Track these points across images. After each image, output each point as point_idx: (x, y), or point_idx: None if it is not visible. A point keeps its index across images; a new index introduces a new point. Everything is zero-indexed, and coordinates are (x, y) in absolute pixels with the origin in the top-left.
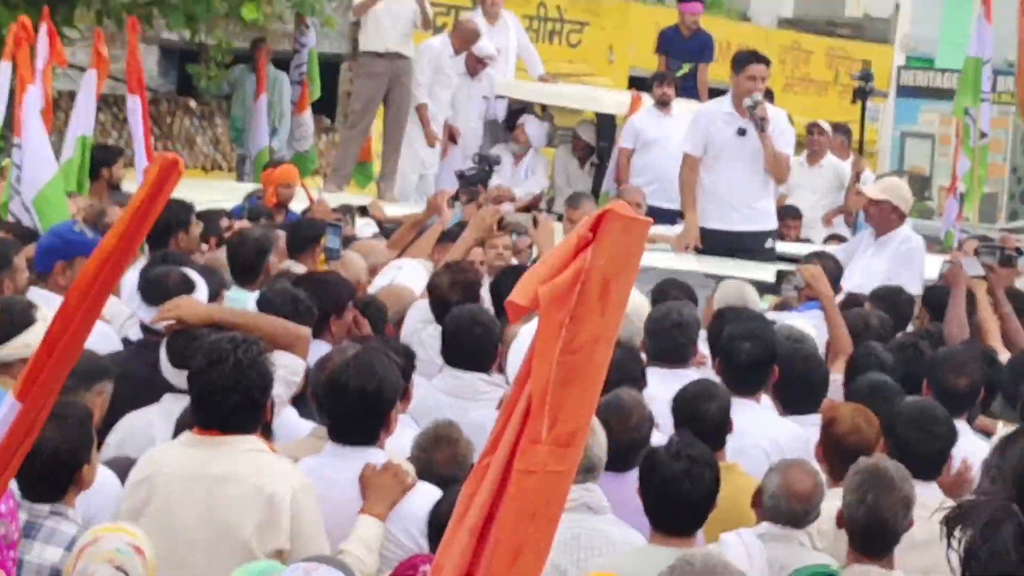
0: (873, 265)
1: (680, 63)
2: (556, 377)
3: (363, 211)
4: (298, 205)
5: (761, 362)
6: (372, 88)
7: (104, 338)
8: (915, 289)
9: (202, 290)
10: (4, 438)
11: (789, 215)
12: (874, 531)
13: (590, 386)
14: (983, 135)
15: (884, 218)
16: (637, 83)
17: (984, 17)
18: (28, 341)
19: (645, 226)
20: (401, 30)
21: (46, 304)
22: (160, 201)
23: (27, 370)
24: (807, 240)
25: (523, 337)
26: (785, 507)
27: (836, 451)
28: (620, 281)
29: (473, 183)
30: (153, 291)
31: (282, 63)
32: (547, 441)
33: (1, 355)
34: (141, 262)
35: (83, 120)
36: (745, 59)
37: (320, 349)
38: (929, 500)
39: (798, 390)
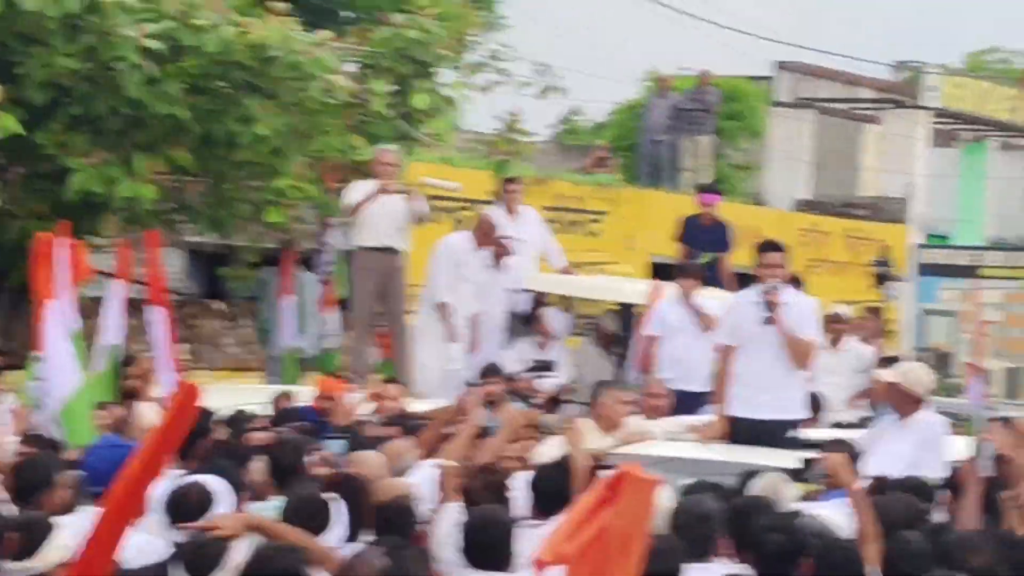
0: (897, 449)
1: (700, 252)
2: None
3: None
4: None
5: (790, 553)
6: (367, 282)
7: (147, 548)
8: (938, 472)
9: (225, 501)
10: None
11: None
12: None
13: None
14: None
15: (902, 401)
16: (658, 269)
17: None
18: (47, 556)
19: (658, 485)
20: (394, 224)
21: None
22: (182, 426)
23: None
24: (838, 425)
25: None
26: None
27: None
28: (639, 535)
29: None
30: (175, 510)
31: (308, 262)
32: None
33: (21, 568)
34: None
35: (112, 330)
36: (760, 249)
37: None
38: None
39: None
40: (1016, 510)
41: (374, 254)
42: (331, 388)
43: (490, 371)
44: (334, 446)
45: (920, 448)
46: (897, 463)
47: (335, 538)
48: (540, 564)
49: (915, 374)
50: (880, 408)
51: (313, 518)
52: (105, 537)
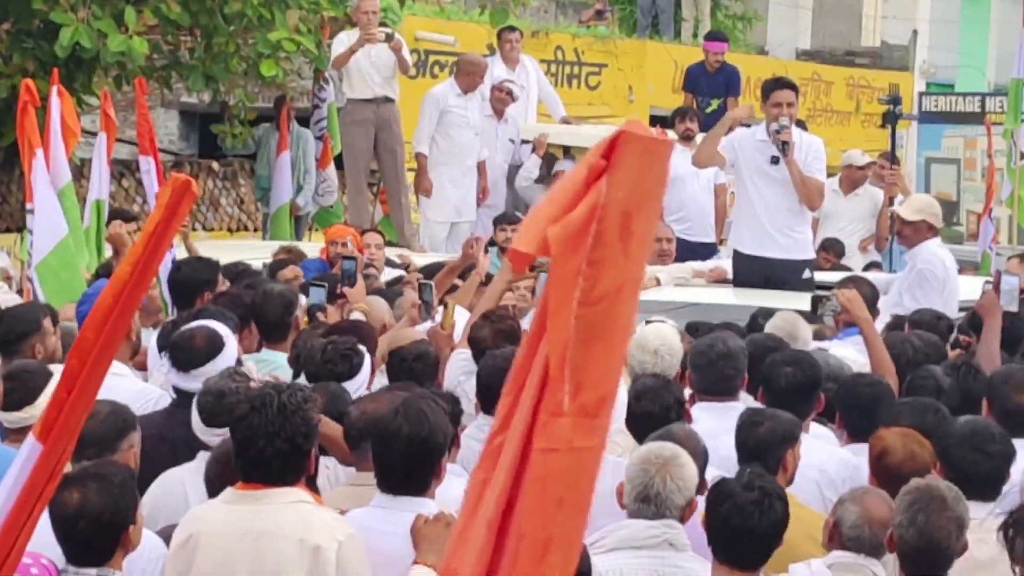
0: (906, 279)
1: (708, 99)
2: (576, 335)
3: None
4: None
5: (804, 388)
6: (361, 135)
7: (143, 395)
8: (953, 308)
9: (231, 348)
10: (28, 480)
11: (830, 248)
12: (925, 553)
13: (617, 342)
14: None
15: (920, 238)
16: (658, 122)
17: None
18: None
19: (668, 147)
20: (384, 74)
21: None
22: (175, 224)
23: (46, 411)
24: (846, 268)
25: None
26: (868, 535)
27: (892, 480)
28: (643, 214)
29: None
30: (181, 355)
31: (304, 120)
32: (571, 412)
33: (18, 418)
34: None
35: (96, 185)
36: (770, 87)
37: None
38: (986, 521)
39: (865, 416)
40: None
41: (367, 105)
42: (342, 234)
43: (505, 219)
44: (316, 293)
45: (914, 280)
46: (895, 295)
47: (360, 383)
48: (516, 256)
49: (933, 208)
50: (889, 251)
51: (340, 363)
52: (93, 356)
